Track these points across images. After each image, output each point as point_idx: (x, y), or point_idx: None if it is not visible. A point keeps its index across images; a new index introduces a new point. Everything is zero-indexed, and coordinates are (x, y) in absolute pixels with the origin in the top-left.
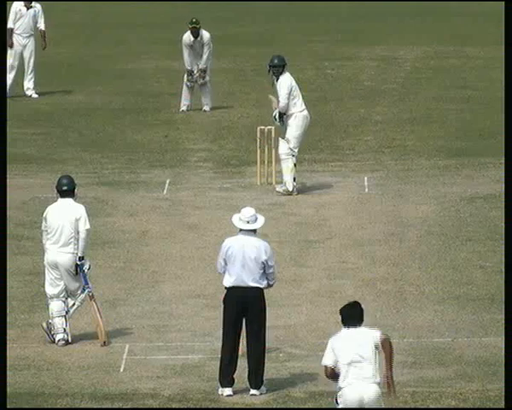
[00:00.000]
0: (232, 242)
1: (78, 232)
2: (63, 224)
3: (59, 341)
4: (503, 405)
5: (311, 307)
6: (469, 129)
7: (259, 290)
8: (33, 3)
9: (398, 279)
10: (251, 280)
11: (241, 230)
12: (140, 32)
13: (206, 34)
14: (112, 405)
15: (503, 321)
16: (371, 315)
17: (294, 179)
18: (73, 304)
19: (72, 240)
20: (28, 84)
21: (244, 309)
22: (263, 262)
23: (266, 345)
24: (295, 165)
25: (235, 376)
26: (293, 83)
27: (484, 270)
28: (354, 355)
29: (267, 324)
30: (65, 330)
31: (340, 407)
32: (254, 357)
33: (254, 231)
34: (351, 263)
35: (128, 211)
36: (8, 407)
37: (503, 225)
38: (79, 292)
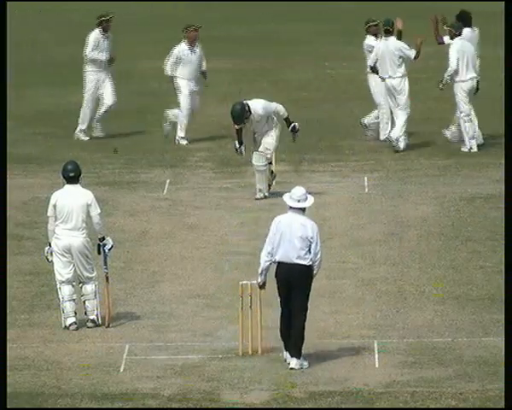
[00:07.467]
0: (281, 218)
1: (89, 217)
2: (75, 209)
3: (70, 325)
4: (503, 405)
5: (311, 307)
6: None
7: (304, 267)
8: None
9: (398, 279)
10: (295, 257)
11: (290, 207)
12: (139, 32)
13: None
14: (112, 405)
15: (503, 321)
16: (371, 315)
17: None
18: (93, 294)
19: (84, 225)
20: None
21: (290, 284)
22: (309, 240)
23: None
24: (272, 172)
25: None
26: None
27: (484, 270)
28: None
29: (270, 323)
30: (76, 313)
31: None
32: (294, 330)
33: (304, 210)
34: (351, 263)
35: (128, 211)
36: (8, 407)
37: (503, 225)
38: (92, 276)
